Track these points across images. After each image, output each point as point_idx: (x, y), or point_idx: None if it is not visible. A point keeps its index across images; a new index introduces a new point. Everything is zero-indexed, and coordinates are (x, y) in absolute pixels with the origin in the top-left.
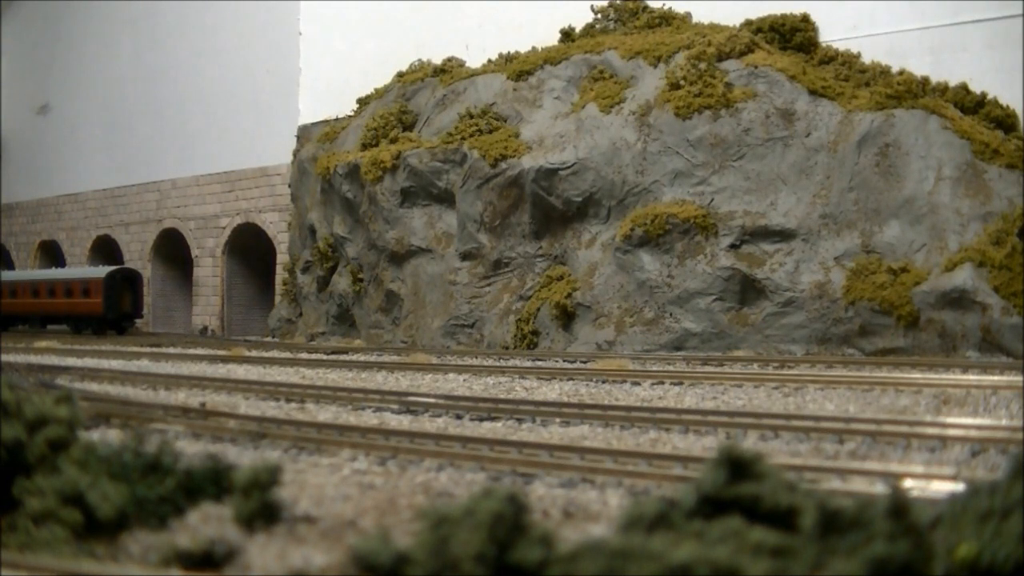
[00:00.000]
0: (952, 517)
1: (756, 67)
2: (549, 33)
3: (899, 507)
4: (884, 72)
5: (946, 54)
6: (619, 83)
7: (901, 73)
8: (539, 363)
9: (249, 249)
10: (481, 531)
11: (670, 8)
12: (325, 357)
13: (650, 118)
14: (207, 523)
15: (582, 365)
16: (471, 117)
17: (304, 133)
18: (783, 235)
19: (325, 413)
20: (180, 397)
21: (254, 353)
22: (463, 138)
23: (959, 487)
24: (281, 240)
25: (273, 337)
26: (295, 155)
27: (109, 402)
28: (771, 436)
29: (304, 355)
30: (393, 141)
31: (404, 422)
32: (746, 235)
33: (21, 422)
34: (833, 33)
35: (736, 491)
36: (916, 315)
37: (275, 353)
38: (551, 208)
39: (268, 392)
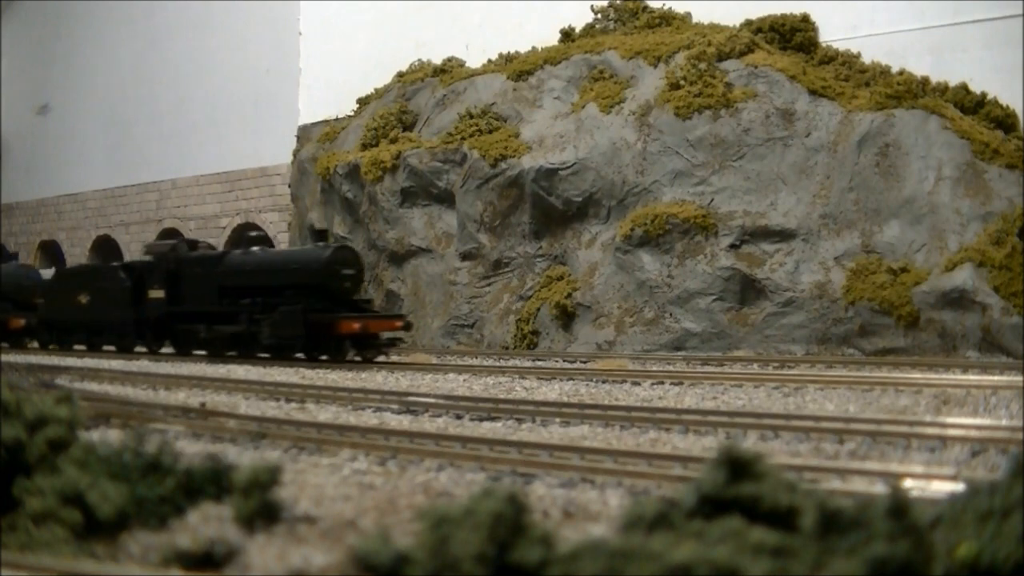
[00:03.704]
0: (952, 517)
1: (756, 67)
2: (549, 33)
3: (899, 507)
4: (884, 72)
5: (946, 54)
6: (619, 83)
7: (901, 73)
8: (539, 363)
9: None
10: (481, 531)
11: (670, 8)
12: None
13: (650, 118)
14: (207, 523)
15: (582, 365)
16: (471, 117)
17: (304, 133)
18: (783, 235)
19: (325, 413)
20: (180, 397)
21: None
22: (463, 138)
23: (959, 487)
24: (281, 240)
25: None
26: (295, 155)
27: (109, 402)
28: (771, 436)
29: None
30: (393, 141)
31: (404, 422)
32: (746, 235)
33: (21, 422)
34: (833, 33)
35: (736, 491)
36: (916, 315)
37: None
38: (551, 208)
39: (268, 392)
